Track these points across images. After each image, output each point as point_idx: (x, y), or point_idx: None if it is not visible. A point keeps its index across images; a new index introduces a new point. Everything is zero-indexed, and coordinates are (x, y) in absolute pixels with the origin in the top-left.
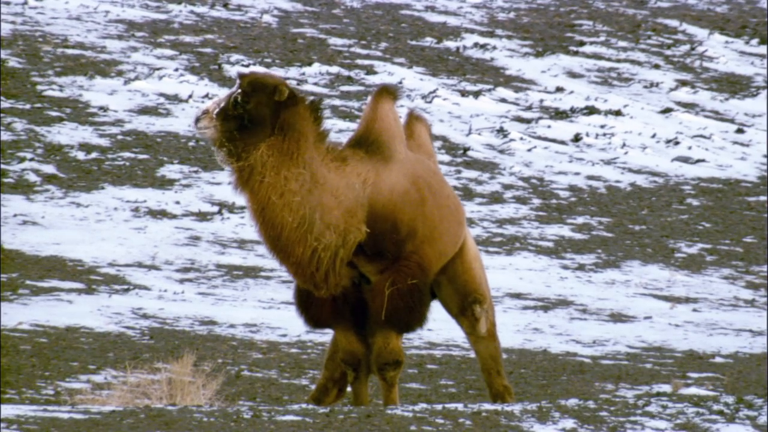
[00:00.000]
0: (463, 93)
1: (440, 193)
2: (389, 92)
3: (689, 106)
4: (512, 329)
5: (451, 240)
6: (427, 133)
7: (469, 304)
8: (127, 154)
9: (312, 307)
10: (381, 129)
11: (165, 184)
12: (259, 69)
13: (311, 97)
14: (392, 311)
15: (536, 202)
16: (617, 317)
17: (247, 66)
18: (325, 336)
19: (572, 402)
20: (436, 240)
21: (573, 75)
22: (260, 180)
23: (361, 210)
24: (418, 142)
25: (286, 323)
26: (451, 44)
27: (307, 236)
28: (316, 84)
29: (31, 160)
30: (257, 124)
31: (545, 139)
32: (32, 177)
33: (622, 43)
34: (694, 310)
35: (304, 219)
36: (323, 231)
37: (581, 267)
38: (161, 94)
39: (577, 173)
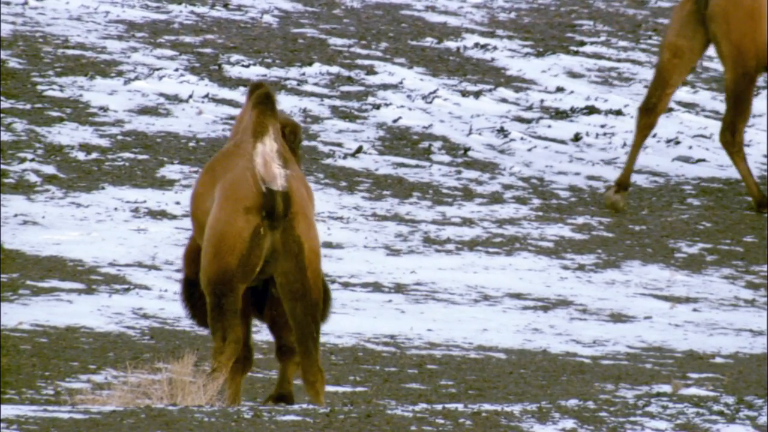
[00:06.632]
0: (464, 93)
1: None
2: (255, 91)
3: (689, 106)
4: (512, 329)
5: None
6: (261, 115)
7: None
8: (127, 155)
9: None
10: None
11: (165, 184)
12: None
13: None
14: None
15: (536, 202)
16: (617, 317)
17: (247, 66)
18: (325, 337)
19: (572, 402)
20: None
21: (573, 75)
22: None
23: None
24: (242, 127)
25: None
26: (451, 44)
27: None
28: (316, 84)
29: (32, 160)
30: None
31: (545, 138)
32: (33, 177)
33: (623, 43)
34: (694, 310)
35: None
36: None
37: (581, 267)
38: (161, 95)
39: (577, 173)
